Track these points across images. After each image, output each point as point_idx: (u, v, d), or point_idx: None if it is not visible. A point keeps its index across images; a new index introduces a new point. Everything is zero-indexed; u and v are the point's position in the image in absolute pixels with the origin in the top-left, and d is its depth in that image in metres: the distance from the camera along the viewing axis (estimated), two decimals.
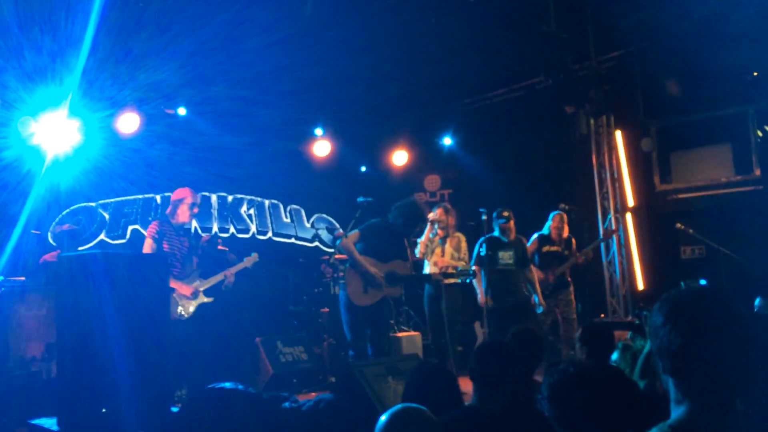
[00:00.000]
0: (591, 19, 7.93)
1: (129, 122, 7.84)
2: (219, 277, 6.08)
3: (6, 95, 6.76)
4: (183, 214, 5.65)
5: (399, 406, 1.84)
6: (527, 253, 7.10)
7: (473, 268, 6.78)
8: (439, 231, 6.90)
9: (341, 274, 6.05)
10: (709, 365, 1.37)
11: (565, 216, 7.63)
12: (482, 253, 6.69)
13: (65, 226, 6.90)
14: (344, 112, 9.84)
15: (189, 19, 6.98)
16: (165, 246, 5.36)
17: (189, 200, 5.64)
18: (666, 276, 8.57)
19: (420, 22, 7.24)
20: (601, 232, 7.51)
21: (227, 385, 2.41)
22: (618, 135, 8.83)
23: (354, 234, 5.84)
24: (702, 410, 1.38)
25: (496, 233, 6.94)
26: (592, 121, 8.64)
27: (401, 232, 6.01)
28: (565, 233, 7.57)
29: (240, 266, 6.48)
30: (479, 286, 6.74)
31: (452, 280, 6.69)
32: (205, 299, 5.85)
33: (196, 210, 5.82)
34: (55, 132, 7.36)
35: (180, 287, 5.38)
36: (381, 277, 5.75)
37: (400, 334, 7.73)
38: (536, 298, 6.94)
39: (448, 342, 6.24)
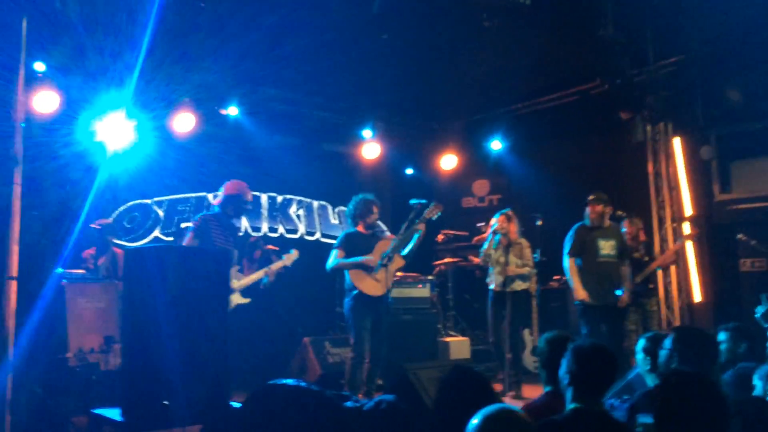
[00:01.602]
0: (650, 23, 7.75)
1: (184, 122, 7.97)
2: (259, 275, 6.12)
3: (71, 94, 6.95)
4: (236, 211, 5.58)
5: (493, 407, 1.81)
6: (626, 244, 6.83)
7: (564, 259, 6.58)
8: (501, 239, 6.88)
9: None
10: None
11: (637, 220, 7.37)
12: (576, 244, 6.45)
13: (106, 221, 7.01)
14: (394, 115, 9.85)
15: (241, 20, 7.07)
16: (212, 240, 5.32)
17: (245, 197, 5.56)
18: (724, 288, 8.30)
19: (474, 25, 7.18)
20: (683, 235, 7.23)
21: (289, 381, 2.41)
22: (676, 142, 8.59)
23: (337, 253, 6.09)
24: None
25: (586, 222, 6.69)
26: (648, 128, 8.43)
27: (368, 230, 6.20)
28: (642, 237, 7.36)
29: (280, 264, 6.52)
30: (575, 280, 6.49)
31: (520, 287, 6.72)
32: (242, 300, 5.88)
33: (248, 207, 5.82)
34: (114, 130, 7.54)
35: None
36: (376, 259, 5.96)
37: (448, 339, 7.67)
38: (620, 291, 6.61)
39: (509, 348, 6.32)
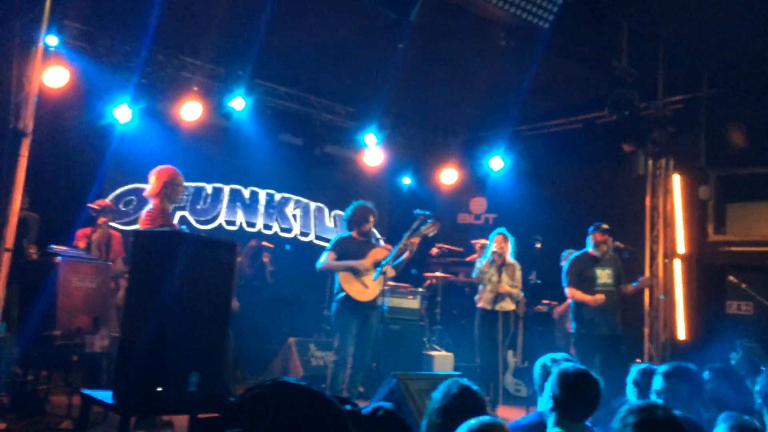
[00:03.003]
0: (663, 59, 7.82)
1: (191, 110, 7.97)
2: None
3: (82, 72, 6.93)
4: (175, 197, 4.93)
5: (479, 419, 1.79)
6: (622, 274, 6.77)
7: (566, 291, 6.58)
8: (495, 258, 6.94)
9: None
10: None
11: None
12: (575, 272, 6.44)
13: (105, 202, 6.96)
14: (399, 125, 9.87)
15: (257, 14, 7.05)
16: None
17: (179, 180, 4.90)
18: (709, 329, 8.34)
19: (489, 43, 7.22)
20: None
21: (291, 380, 2.39)
22: (676, 179, 8.66)
23: (329, 255, 6.13)
24: None
25: (590, 248, 6.60)
26: (650, 162, 8.49)
27: (362, 237, 6.24)
28: None
29: None
30: (583, 297, 6.36)
31: (508, 307, 6.74)
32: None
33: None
34: (120, 115, 7.54)
35: None
36: (368, 265, 6.01)
37: (432, 353, 7.66)
38: None
39: (498, 367, 6.34)
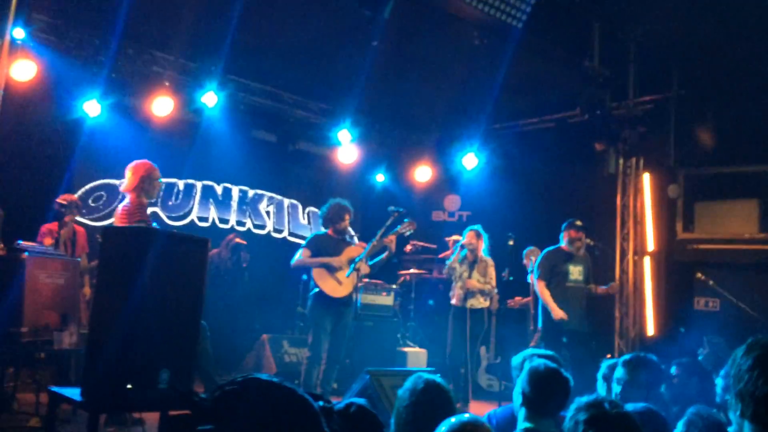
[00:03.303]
0: (634, 59, 7.93)
1: (161, 106, 7.86)
2: None
3: (49, 66, 6.80)
4: (154, 191, 4.90)
5: (460, 418, 1.79)
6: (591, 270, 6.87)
7: (535, 283, 6.60)
8: (468, 254, 6.97)
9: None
10: None
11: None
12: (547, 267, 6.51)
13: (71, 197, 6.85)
14: (374, 122, 9.86)
15: (229, 9, 6.99)
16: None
17: (156, 174, 4.88)
18: (677, 324, 8.50)
19: (463, 42, 7.26)
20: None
21: (263, 376, 2.38)
22: (646, 178, 8.80)
23: (304, 252, 6.18)
24: None
25: (563, 244, 6.67)
26: (621, 161, 8.61)
27: (337, 234, 6.28)
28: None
29: None
30: (549, 302, 6.44)
31: (480, 305, 6.78)
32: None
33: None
34: (89, 108, 7.43)
35: None
36: (343, 262, 6.05)
37: (406, 349, 7.68)
38: None
39: (467, 364, 6.39)
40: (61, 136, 7.59)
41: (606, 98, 7.60)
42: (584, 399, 2.03)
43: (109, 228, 3.50)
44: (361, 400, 2.48)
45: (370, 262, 6.20)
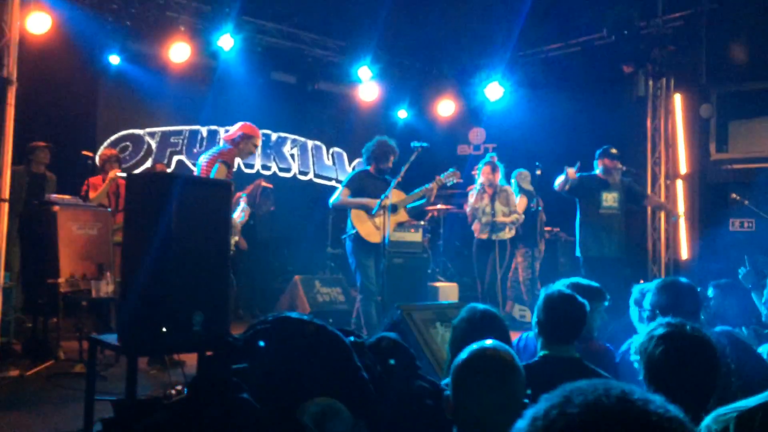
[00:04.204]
0: None
1: (178, 52, 7.78)
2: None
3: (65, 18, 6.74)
4: (246, 151, 5.20)
5: (480, 345, 1.77)
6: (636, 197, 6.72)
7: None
8: (487, 189, 6.89)
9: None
10: None
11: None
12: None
13: (111, 151, 6.89)
14: (393, 57, 9.65)
15: None
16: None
17: (257, 141, 5.25)
18: (712, 248, 8.38)
19: None
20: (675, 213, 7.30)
21: (293, 314, 2.40)
22: (677, 99, 8.52)
23: (344, 191, 5.88)
24: None
25: (598, 171, 6.51)
26: (651, 83, 8.34)
27: (379, 173, 5.93)
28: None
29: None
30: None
31: (506, 236, 6.73)
32: (242, 242, 5.79)
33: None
34: (108, 60, 7.40)
35: (233, 221, 5.42)
36: (382, 205, 5.69)
37: (437, 284, 7.72)
38: None
39: (498, 293, 6.34)
40: (82, 90, 7.58)
41: (634, 17, 7.30)
42: (665, 319, 2.04)
43: (131, 175, 3.51)
44: (392, 334, 2.50)
45: (408, 206, 5.94)
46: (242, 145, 5.03)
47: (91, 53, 7.54)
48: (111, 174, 6.11)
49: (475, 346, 1.75)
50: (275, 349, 2.13)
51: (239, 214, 5.99)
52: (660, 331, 1.97)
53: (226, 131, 5.28)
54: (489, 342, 1.77)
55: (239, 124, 5.10)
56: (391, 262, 7.31)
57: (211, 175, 4.68)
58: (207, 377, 2.13)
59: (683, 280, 3.38)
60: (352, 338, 2.33)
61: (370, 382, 2.12)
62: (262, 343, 2.19)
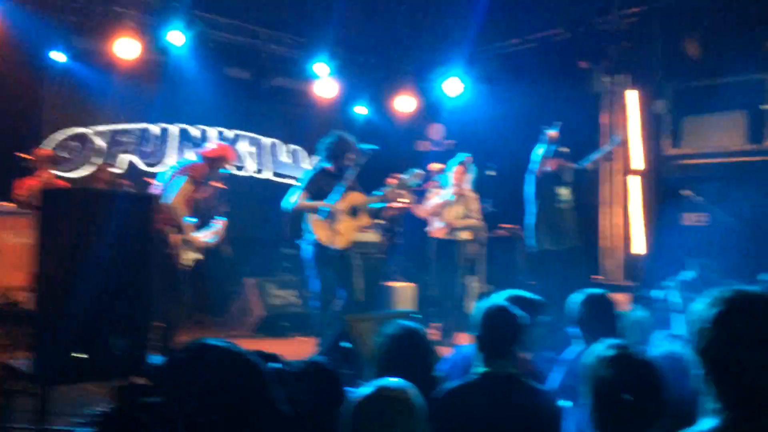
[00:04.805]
0: None
1: (127, 47, 7.57)
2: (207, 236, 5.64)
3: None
4: (216, 171, 5.26)
5: (378, 383, 1.71)
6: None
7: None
8: (454, 190, 6.81)
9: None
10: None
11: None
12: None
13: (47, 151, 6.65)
14: (351, 53, 9.52)
15: None
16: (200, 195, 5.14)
17: (229, 163, 5.39)
18: (666, 243, 8.45)
19: None
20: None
21: (212, 341, 2.28)
22: (632, 95, 8.55)
23: (302, 194, 5.53)
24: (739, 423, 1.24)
25: (549, 169, 6.63)
26: (606, 79, 8.36)
27: (339, 172, 5.57)
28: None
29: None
30: None
31: (465, 236, 6.66)
32: (200, 256, 5.47)
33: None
34: (53, 57, 7.17)
35: (196, 239, 5.24)
36: (343, 207, 5.48)
37: (393, 284, 7.63)
38: None
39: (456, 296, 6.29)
40: (24, 89, 7.32)
41: (590, 13, 7.29)
42: (611, 340, 2.00)
43: (47, 190, 3.35)
44: (320, 359, 2.40)
45: (369, 206, 5.67)
46: (217, 164, 5.12)
47: (34, 50, 7.28)
48: (43, 174, 5.91)
49: (373, 385, 1.71)
50: (190, 380, 2.00)
51: (209, 234, 5.58)
52: (609, 353, 1.95)
53: (203, 146, 5.62)
54: (389, 381, 1.73)
55: (224, 145, 5.41)
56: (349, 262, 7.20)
57: (173, 187, 4.60)
58: (114, 414, 2.00)
59: (600, 291, 3.35)
60: (279, 365, 2.22)
61: (292, 415, 2.02)
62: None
